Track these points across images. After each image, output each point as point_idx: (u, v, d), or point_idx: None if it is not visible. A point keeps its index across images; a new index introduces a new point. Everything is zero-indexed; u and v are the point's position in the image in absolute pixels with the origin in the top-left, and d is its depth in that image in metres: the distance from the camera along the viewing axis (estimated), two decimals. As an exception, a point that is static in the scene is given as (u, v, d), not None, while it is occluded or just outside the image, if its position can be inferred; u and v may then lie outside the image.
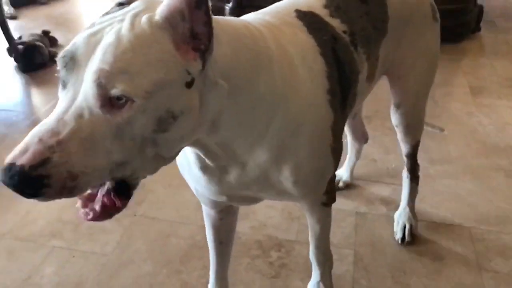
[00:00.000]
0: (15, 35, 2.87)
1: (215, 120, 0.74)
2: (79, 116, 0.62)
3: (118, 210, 0.72)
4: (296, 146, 0.88)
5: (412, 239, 1.56)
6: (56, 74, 0.67)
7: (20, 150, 0.61)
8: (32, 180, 0.60)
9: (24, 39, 2.85)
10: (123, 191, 0.71)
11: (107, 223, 1.64)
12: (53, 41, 3.04)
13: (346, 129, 1.76)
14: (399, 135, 1.50)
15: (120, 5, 0.72)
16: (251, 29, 0.80)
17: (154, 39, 0.64)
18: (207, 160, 0.84)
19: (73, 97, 0.63)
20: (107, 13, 0.70)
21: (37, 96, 2.53)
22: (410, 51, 1.29)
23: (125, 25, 0.64)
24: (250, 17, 0.94)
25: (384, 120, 2.19)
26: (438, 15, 1.35)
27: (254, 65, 0.77)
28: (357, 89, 1.07)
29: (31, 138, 0.62)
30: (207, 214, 1.16)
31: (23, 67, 2.75)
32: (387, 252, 1.55)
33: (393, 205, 1.71)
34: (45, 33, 3.01)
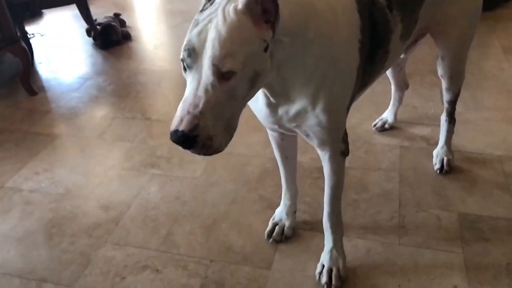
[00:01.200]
0: (90, 18, 3.29)
1: (279, 64, 1.02)
2: (206, 91, 0.90)
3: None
4: (332, 79, 1.11)
5: (449, 169, 1.85)
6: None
7: (178, 120, 0.91)
8: (189, 139, 0.91)
9: (100, 21, 3.26)
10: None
11: (192, 157, 2.01)
12: (122, 23, 3.45)
13: (391, 79, 2.05)
14: (444, 84, 1.72)
15: (206, 4, 0.97)
16: None
17: (241, 23, 0.89)
18: (270, 98, 1.13)
19: (198, 77, 0.91)
20: (203, 10, 0.96)
21: (115, 67, 2.93)
22: (452, 10, 1.49)
23: (219, 19, 0.89)
24: None
25: (423, 76, 2.47)
26: None
27: (304, 17, 1.03)
28: (390, 46, 1.28)
29: (182, 111, 0.91)
30: (272, 136, 1.45)
31: (101, 44, 3.17)
32: (428, 175, 1.85)
33: (432, 141, 2.00)
34: (116, 15, 3.42)
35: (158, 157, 2.05)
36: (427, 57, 2.48)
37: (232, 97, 0.93)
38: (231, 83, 0.91)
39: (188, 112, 0.91)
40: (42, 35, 3.43)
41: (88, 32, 3.27)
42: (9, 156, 2.11)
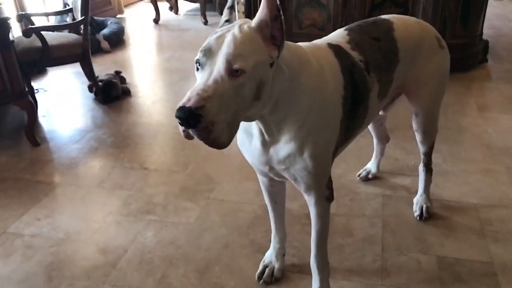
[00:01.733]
0: (93, 75, 3.50)
1: (277, 101, 1.17)
2: (216, 82, 1.05)
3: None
4: (320, 128, 1.26)
5: (429, 216, 1.98)
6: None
7: (186, 99, 1.03)
8: (193, 115, 0.99)
9: (101, 78, 3.47)
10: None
11: (187, 204, 2.14)
12: (122, 80, 3.65)
13: (373, 133, 2.21)
14: (418, 137, 1.89)
15: (227, 21, 1.18)
16: (300, 46, 1.27)
17: (253, 36, 1.08)
18: (265, 135, 1.27)
19: (210, 72, 1.05)
20: (221, 26, 1.16)
21: (115, 121, 3.09)
22: (422, 73, 1.69)
23: (236, 30, 1.08)
24: (300, 43, 1.37)
25: (404, 131, 2.65)
26: (444, 43, 1.74)
27: (300, 63, 1.22)
28: (369, 103, 1.45)
29: (191, 93, 1.03)
30: (262, 182, 1.58)
31: (102, 99, 3.35)
32: (408, 221, 1.97)
33: (412, 190, 2.14)
34: (117, 72, 3.64)
35: (155, 204, 2.16)
36: (407, 114, 2.64)
37: (238, 94, 1.05)
38: (240, 79, 1.04)
39: (197, 93, 1.01)
40: (45, 91, 3.62)
41: (90, 88, 3.47)
42: (12, 202, 2.20)
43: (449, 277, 1.66)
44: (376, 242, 1.85)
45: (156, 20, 5.83)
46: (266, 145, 1.30)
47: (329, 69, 1.32)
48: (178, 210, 2.10)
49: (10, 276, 1.75)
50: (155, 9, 5.80)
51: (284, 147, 1.27)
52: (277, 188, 1.59)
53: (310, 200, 1.42)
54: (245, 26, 1.09)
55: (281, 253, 1.69)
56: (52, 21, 4.76)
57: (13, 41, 2.56)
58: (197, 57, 1.09)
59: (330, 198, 1.43)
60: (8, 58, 2.49)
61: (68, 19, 4.33)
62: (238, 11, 1.19)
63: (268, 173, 1.40)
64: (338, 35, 1.53)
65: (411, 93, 1.76)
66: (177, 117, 1.02)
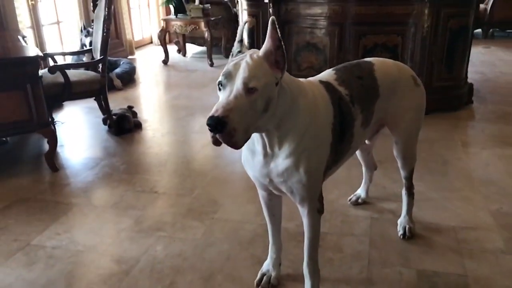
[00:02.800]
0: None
1: (281, 119, 1.45)
2: (236, 98, 1.31)
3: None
4: (314, 147, 1.53)
5: (411, 235, 2.20)
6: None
7: (214, 111, 1.27)
8: (221, 123, 1.26)
9: (115, 112, 3.76)
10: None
11: (193, 223, 2.36)
12: (134, 114, 3.95)
13: (362, 162, 2.46)
14: (399, 163, 2.14)
15: (239, 52, 1.46)
16: (299, 79, 1.56)
17: (262, 63, 1.35)
18: (268, 150, 1.53)
19: (230, 90, 1.32)
20: (236, 56, 1.43)
21: (127, 150, 3.36)
22: (400, 107, 1.96)
23: (248, 58, 1.35)
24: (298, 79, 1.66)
25: (391, 163, 2.86)
26: (419, 81, 2.02)
27: (297, 90, 1.49)
28: (354, 130, 1.71)
29: (217, 106, 1.28)
30: (261, 196, 1.81)
31: (115, 131, 3.63)
32: (393, 239, 2.19)
33: (397, 213, 2.35)
34: (130, 107, 3.94)
35: (164, 223, 2.38)
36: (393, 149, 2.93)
37: (252, 108, 1.32)
38: (253, 96, 1.32)
39: (223, 106, 1.28)
40: (62, 123, 3.91)
41: (105, 121, 3.76)
42: (34, 219, 2.43)
43: (427, 286, 1.86)
44: (363, 257, 2.06)
45: (165, 62, 6.22)
46: (267, 160, 1.54)
47: (321, 99, 1.59)
48: (185, 228, 2.32)
49: (35, 281, 1.95)
50: (164, 51, 6.21)
51: (283, 162, 1.51)
52: (274, 202, 1.82)
53: (303, 212, 1.65)
54: (255, 55, 1.37)
55: (277, 263, 1.90)
56: (68, 60, 5.13)
57: (41, 76, 2.86)
58: (219, 80, 1.36)
59: (321, 210, 1.66)
60: (37, 91, 2.79)
61: (85, 59, 4.69)
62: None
63: (268, 185, 1.63)
64: (327, 74, 1.81)
65: (391, 124, 2.02)
66: (208, 124, 1.29)
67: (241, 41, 1.47)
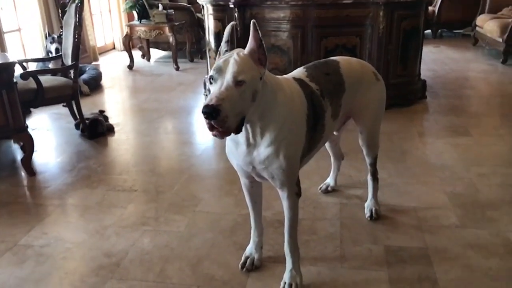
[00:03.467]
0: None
1: (263, 109, 1.62)
2: (227, 89, 1.47)
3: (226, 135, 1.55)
4: (292, 136, 1.72)
5: (377, 217, 2.42)
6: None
7: (209, 100, 1.44)
8: (215, 110, 1.41)
9: (87, 116, 3.82)
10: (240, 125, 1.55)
11: (176, 216, 2.49)
12: (105, 118, 4.01)
13: (330, 153, 2.67)
14: (364, 151, 2.37)
15: (226, 51, 1.62)
16: (276, 76, 1.74)
17: (248, 59, 1.53)
18: (251, 140, 1.69)
19: (221, 83, 1.48)
20: (223, 54, 1.60)
21: (102, 153, 3.43)
22: (363, 99, 2.18)
23: (235, 56, 1.51)
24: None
25: (356, 154, 3.11)
26: (379, 76, 2.25)
27: (276, 85, 1.68)
28: (325, 121, 1.91)
29: (211, 96, 1.44)
30: (244, 184, 1.97)
31: (89, 136, 3.69)
32: (361, 221, 2.40)
33: (364, 199, 2.57)
34: (101, 112, 4.00)
35: (147, 218, 2.50)
36: (357, 142, 3.17)
37: (241, 98, 1.49)
38: (242, 87, 1.49)
39: (216, 97, 1.45)
40: (33, 129, 3.92)
41: (77, 125, 3.81)
42: (18, 221, 2.49)
43: (394, 259, 2.08)
44: (335, 237, 2.27)
45: (130, 67, 6.27)
46: (250, 149, 1.71)
47: (296, 94, 1.78)
48: (168, 221, 2.45)
49: (28, 277, 2.03)
50: (129, 56, 6.26)
51: (264, 150, 1.68)
52: (256, 190, 1.99)
53: (283, 195, 1.82)
54: (241, 53, 1.55)
55: (259, 246, 2.07)
56: (32, 67, 5.10)
57: (16, 82, 2.90)
58: (210, 74, 1.53)
59: (298, 193, 1.84)
60: (12, 97, 2.83)
61: (50, 65, 4.70)
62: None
63: (250, 173, 1.80)
64: (298, 72, 2.00)
65: (356, 115, 2.24)
66: (203, 112, 1.44)
67: (227, 41, 1.63)
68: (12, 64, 2.83)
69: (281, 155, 1.69)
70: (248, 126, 1.66)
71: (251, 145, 1.70)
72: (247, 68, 1.51)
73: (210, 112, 1.44)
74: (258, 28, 1.53)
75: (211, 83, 1.54)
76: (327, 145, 2.57)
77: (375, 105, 2.24)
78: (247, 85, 1.51)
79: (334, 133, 2.46)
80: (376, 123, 2.29)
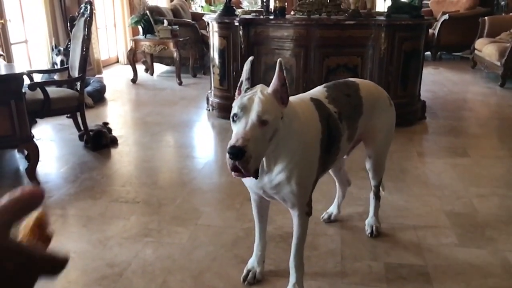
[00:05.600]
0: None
1: (277, 142, 1.63)
2: (252, 129, 1.46)
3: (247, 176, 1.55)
4: (304, 163, 1.75)
5: (378, 234, 2.46)
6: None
7: (234, 141, 1.43)
8: (241, 152, 1.42)
9: (91, 128, 3.86)
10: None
11: (178, 229, 2.52)
12: (109, 130, 4.05)
13: (335, 178, 2.62)
14: (370, 175, 2.38)
15: (247, 89, 1.62)
16: (292, 102, 1.73)
17: (271, 98, 1.53)
18: (265, 166, 1.71)
19: (246, 122, 1.47)
20: (246, 92, 1.59)
21: (106, 165, 3.47)
22: (377, 124, 2.18)
23: (260, 94, 1.51)
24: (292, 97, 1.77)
25: (356, 172, 3.17)
26: (392, 102, 2.26)
27: (292, 114, 1.69)
28: (340, 144, 1.93)
29: (236, 136, 1.44)
30: (254, 199, 2.01)
31: (92, 147, 3.73)
32: (361, 238, 2.43)
33: (364, 215, 2.61)
34: (105, 124, 4.05)
35: (150, 229, 2.52)
36: (360, 159, 3.21)
37: (264, 137, 1.51)
38: (265, 128, 1.50)
39: (242, 137, 1.46)
40: (38, 139, 3.96)
41: (81, 137, 3.85)
42: (21, 230, 2.50)
43: (393, 276, 2.11)
44: (336, 253, 2.29)
45: (134, 80, 6.35)
46: (262, 175, 1.72)
47: (310, 119, 1.79)
48: (171, 233, 2.48)
49: (31, 285, 2.04)
50: (133, 70, 6.34)
51: (276, 177, 1.71)
52: (264, 206, 2.02)
53: (294, 214, 1.85)
54: (265, 92, 1.55)
55: (261, 260, 2.10)
56: (39, 77, 5.17)
57: (25, 92, 2.95)
58: (234, 112, 1.53)
59: (309, 213, 1.87)
60: (20, 107, 2.88)
61: (56, 77, 4.77)
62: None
63: (262, 195, 1.84)
64: (318, 91, 2.02)
65: (368, 139, 2.24)
66: (229, 153, 1.45)
67: (248, 79, 1.63)
68: (21, 75, 2.89)
69: (293, 181, 1.71)
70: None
71: (263, 171, 1.71)
72: (271, 108, 1.52)
73: (236, 153, 1.44)
74: (283, 67, 1.57)
75: (234, 120, 1.54)
76: (331, 170, 2.49)
77: (387, 130, 2.26)
78: (270, 125, 1.51)
79: (344, 156, 2.45)
80: (386, 148, 2.32)
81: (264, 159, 1.67)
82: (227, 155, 1.46)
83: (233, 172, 1.52)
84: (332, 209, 2.65)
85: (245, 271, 2.09)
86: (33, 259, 0.49)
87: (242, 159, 1.44)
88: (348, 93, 2.05)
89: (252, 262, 2.11)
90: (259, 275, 2.07)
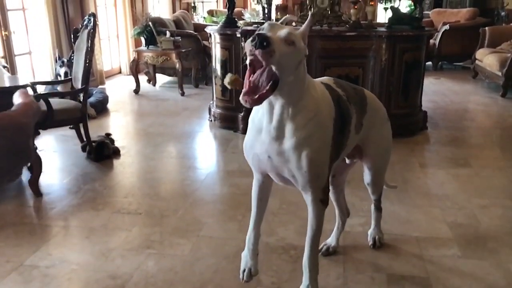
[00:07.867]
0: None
1: (296, 95, 1.57)
2: (279, 38, 1.45)
3: (267, 96, 1.52)
4: (316, 136, 1.64)
5: (380, 245, 2.45)
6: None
7: (260, 32, 1.45)
8: (266, 39, 1.40)
9: (94, 139, 3.88)
10: (273, 85, 1.51)
11: (180, 240, 2.52)
12: (112, 141, 4.07)
13: (335, 203, 2.45)
14: (369, 190, 2.34)
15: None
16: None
17: (299, 34, 1.54)
18: (276, 122, 1.61)
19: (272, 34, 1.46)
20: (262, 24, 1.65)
21: (108, 175, 3.48)
22: (377, 136, 2.13)
23: (291, 28, 1.53)
24: None
25: (358, 183, 3.15)
26: (387, 117, 2.23)
27: (310, 83, 1.65)
28: (351, 127, 1.86)
29: (262, 30, 1.48)
30: (256, 179, 1.88)
31: (95, 158, 3.74)
32: (363, 249, 2.43)
33: (366, 227, 2.61)
34: (108, 135, 4.06)
35: (152, 241, 2.52)
36: (359, 170, 3.23)
37: (290, 56, 1.49)
38: (291, 48, 1.49)
39: (268, 31, 1.47)
40: (40, 150, 3.97)
41: (84, 148, 3.86)
42: (24, 242, 2.51)
43: (396, 288, 2.11)
44: (338, 265, 2.29)
45: (136, 91, 6.38)
46: (272, 137, 1.66)
47: (324, 96, 1.77)
48: (173, 245, 2.48)
49: (33, 297, 2.05)
50: (135, 81, 6.37)
51: (285, 142, 1.65)
52: (265, 187, 1.91)
53: (307, 199, 1.77)
54: (296, 31, 1.58)
55: (255, 254, 1.97)
56: (42, 89, 5.21)
57: (28, 104, 2.98)
58: (260, 28, 1.53)
59: (324, 201, 1.77)
60: (23, 118, 2.90)
61: (59, 88, 4.80)
62: None
63: (266, 163, 1.72)
64: (325, 78, 1.98)
65: (367, 149, 2.17)
66: (253, 38, 1.42)
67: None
68: (25, 87, 2.91)
69: (303, 154, 1.65)
70: (277, 106, 1.63)
71: (275, 130, 1.65)
72: (298, 38, 1.53)
73: (261, 40, 1.40)
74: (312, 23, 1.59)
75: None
76: (332, 193, 2.35)
77: (385, 143, 2.24)
78: (296, 49, 1.51)
79: (347, 161, 2.37)
80: (385, 161, 2.30)
81: (279, 113, 1.63)
82: (249, 45, 1.42)
83: (245, 96, 1.49)
84: (331, 240, 2.43)
85: (241, 273, 1.98)
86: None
87: (266, 49, 1.41)
88: (354, 87, 2.06)
89: (245, 257, 1.98)
90: (254, 270, 1.96)
